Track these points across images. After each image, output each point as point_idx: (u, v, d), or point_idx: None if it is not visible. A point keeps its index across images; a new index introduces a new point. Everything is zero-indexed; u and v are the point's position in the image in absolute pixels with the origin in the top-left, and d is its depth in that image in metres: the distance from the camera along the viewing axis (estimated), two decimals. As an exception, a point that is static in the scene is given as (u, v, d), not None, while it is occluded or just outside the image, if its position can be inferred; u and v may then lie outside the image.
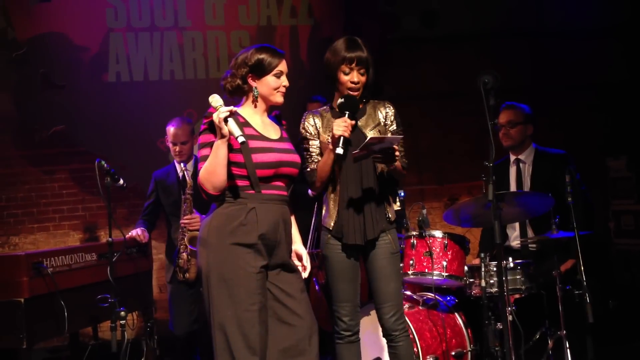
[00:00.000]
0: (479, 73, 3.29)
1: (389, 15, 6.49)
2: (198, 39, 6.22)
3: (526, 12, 6.60)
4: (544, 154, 4.45)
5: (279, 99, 3.11)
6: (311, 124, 3.41)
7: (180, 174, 4.58)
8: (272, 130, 3.14)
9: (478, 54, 6.40)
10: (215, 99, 2.91)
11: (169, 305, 4.70)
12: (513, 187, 4.46)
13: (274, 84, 3.07)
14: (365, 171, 3.34)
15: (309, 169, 3.39)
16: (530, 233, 4.34)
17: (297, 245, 3.25)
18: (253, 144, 2.99)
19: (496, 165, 3.37)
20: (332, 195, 3.38)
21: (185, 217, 4.44)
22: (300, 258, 3.24)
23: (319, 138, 3.39)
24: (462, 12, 6.53)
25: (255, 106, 3.11)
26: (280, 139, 3.14)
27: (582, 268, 3.74)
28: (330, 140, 3.26)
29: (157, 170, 4.79)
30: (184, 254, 4.46)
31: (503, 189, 4.27)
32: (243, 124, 3.03)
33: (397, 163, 3.29)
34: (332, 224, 3.36)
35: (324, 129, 3.39)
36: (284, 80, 3.09)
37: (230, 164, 2.96)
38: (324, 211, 3.42)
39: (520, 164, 4.49)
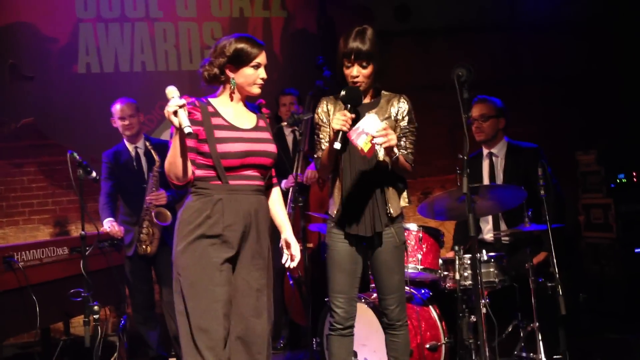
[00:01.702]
0: (454, 66, 3.29)
1: (362, 8, 6.49)
2: (169, 30, 6.17)
3: (499, 6, 6.65)
4: (516, 147, 4.49)
5: (255, 90, 3.08)
6: (324, 110, 3.39)
7: (133, 153, 4.74)
8: (245, 120, 3.11)
9: (451, 47, 6.44)
10: (169, 91, 2.84)
11: (127, 282, 4.73)
12: (486, 181, 4.49)
13: (251, 76, 3.04)
14: (369, 163, 3.30)
15: (316, 156, 3.38)
16: (503, 226, 4.38)
17: (287, 233, 3.24)
18: (219, 134, 2.97)
19: (469, 158, 3.38)
20: (337, 184, 3.36)
21: (151, 194, 4.55)
22: (288, 246, 3.22)
23: (329, 125, 3.36)
24: (436, 6, 6.55)
25: (231, 96, 3.08)
26: (255, 129, 3.10)
27: (555, 261, 3.79)
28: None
29: (105, 151, 4.82)
30: (149, 228, 4.55)
31: (476, 182, 4.30)
32: (212, 113, 3.01)
33: (400, 156, 3.27)
34: (335, 212, 3.35)
35: (333, 116, 3.34)
36: (262, 73, 3.06)
37: (198, 154, 2.97)
38: (330, 199, 3.40)
39: (493, 158, 4.52)
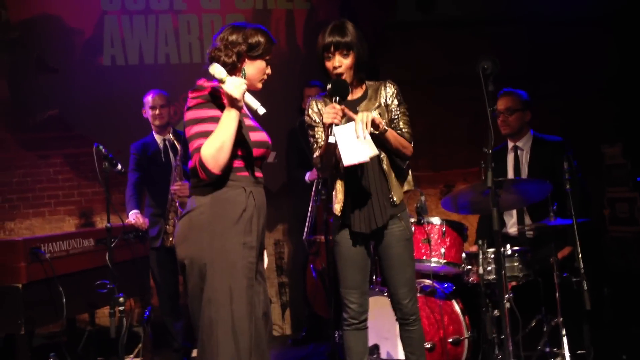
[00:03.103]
0: (478, 58, 3.26)
1: (385, 0, 6.46)
2: (193, 22, 6.18)
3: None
4: (542, 140, 4.46)
5: (259, 85, 3.00)
6: (314, 110, 3.39)
7: (162, 145, 4.83)
8: (248, 110, 3.03)
9: (475, 39, 6.38)
10: (218, 70, 2.73)
11: (153, 274, 4.78)
12: (510, 174, 4.47)
13: (261, 70, 2.97)
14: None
15: (314, 156, 3.37)
16: (527, 220, 4.35)
17: None
18: (247, 122, 2.88)
19: (494, 151, 3.36)
20: (338, 181, 3.35)
21: (176, 184, 4.60)
22: None
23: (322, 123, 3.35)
24: (458, -2, 6.51)
25: None
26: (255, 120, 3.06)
27: (580, 255, 3.76)
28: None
29: (134, 143, 4.89)
30: (174, 219, 4.59)
31: (500, 175, 4.27)
32: None
33: (390, 130, 3.25)
34: (339, 211, 3.35)
35: None
36: (269, 69, 3.01)
37: None
38: (333, 197, 3.40)
39: (518, 151, 4.49)
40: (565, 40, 6.47)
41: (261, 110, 2.74)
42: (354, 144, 3.07)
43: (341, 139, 3.09)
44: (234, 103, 2.71)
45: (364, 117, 3.09)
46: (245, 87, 2.73)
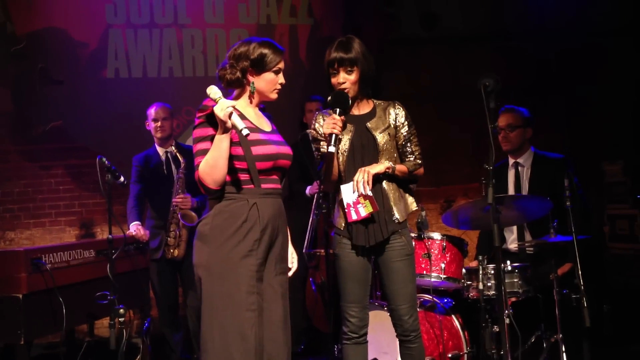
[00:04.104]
0: (480, 75, 3.28)
1: (388, 16, 6.51)
2: (197, 36, 6.23)
3: (526, 13, 6.61)
4: (543, 157, 4.47)
5: (274, 96, 3.09)
6: (320, 124, 3.41)
7: (164, 157, 4.82)
8: (264, 123, 3.11)
9: (477, 55, 6.42)
10: (214, 91, 2.84)
11: (153, 285, 4.78)
12: (511, 191, 4.48)
13: (272, 81, 3.04)
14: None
15: (319, 169, 3.39)
16: (527, 236, 4.35)
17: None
18: (251, 136, 2.93)
19: (495, 168, 3.37)
20: (340, 195, 3.36)
21: (178, 197, 4.61)
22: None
23: None
24: (462, 14, 6.54)
25: (250, 100, 3.07)
26: (273, 132, 3.11)
27: (580, 272, 3.76)
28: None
29: (136, 155, 4.91)
30: (176, 231, 4.60)
31: (501, 192, 4.28)
32: (239, 116, 2.97)
33: (398, 166, 3.32)
34: (342, 224, 3.36)
35: None
36: (281, 78, 3.07)
37: (229, 157, 2.91)
38: (335, 211, 3.42)
39: (519, 168, 4.50)
40: (570, 56, 6.49)
41: (245, 132, 2.82)
42: (354, 204, 3.24)
43: (346, 196, 3.25)
44: (221, 123, 2.83)
45: (363, 175, 3.21)
46: (230, 109, 2.80)
